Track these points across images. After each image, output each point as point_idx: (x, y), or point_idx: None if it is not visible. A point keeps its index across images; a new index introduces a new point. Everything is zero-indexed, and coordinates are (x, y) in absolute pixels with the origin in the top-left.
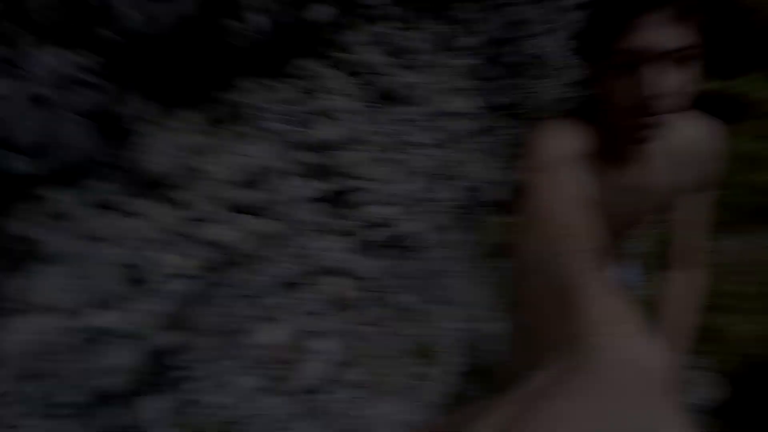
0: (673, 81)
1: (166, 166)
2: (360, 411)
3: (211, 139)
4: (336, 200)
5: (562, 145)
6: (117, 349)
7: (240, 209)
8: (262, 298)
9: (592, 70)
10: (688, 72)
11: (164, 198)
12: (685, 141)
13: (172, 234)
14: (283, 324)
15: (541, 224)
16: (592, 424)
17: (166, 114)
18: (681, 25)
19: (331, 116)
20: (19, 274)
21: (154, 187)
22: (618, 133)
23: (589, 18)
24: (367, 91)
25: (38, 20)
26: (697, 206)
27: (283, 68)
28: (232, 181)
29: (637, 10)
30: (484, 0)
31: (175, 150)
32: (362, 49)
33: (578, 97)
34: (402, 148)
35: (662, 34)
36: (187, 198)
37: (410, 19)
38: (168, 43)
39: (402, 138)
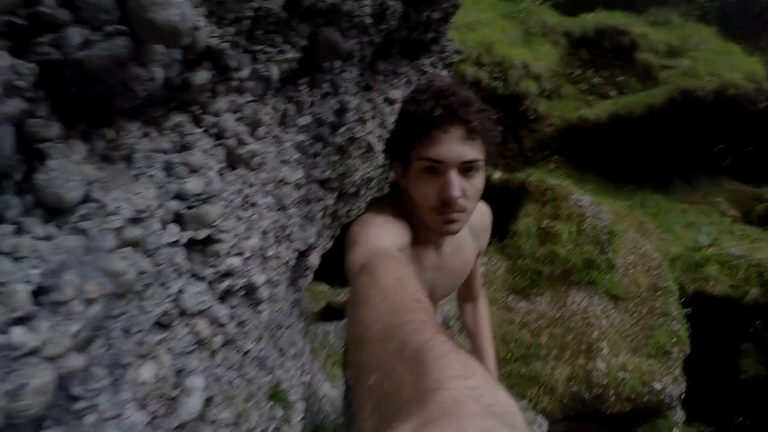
0: (464, 185)
1: (74, 193)
2: None
3: (103, 173)
4: (199, 248)
5: (385, 237)
6: (31, 368)
7: (127, 243)
8: (143, 333)
9: (399, 170)
10: (477, 177)
11: (68, 224)
12: (476, 218)
13: (75, 259)
14: (161, 361)
15: (387, 297)
16: None
17: (68, 141)
18: (469, 143)
19: (196, 171)
20: None
21: (58, 212)
22: (425, 225)
23: (395, 127)
24: (222, 153)
25: None
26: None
27: (162, 121)
28: (124, 216)
29: (430, 128)
30: (314, 87)
31: (80, 179)
32: (223, 114)
33: (390, 190)
34: (249, 207)
35: (450, 143)
36: (87, 226)
37: (261, 93)
38: (88, 75)
39: (248, 199)
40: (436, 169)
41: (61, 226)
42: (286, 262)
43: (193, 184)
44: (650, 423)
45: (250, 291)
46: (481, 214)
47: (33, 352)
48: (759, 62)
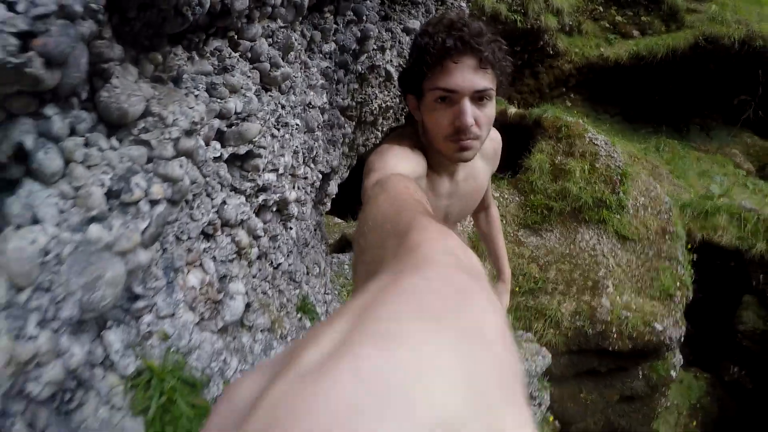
0: (476, 113)
1: (136, 107)
2: (266, 351)
3: (157, 92)
4: (239, 163)
5: (401, 165)
6: (105, 262)
7: (182, 153)
8: (192, 240)
9: (413, 102)
10: (489, 106)
11: (131, 136)
12: (487, 144)
13: (139, 166)
14: (207, 267)
15: (392, 199)
16: (432, 296)
17: (123, 64)
18: (480, 72)
19: (235, 91)
20: (9, 190)
21: (121, 126)
22: (440, 154)
23: (409, 60)
24: (257, 75)
25: None
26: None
27: (203, 45)
28: (180, 128)
29: (443, 58)
30: (338, 14)
31: (140, 95)
32: (257, 39)
33: (406, 122)
34: (281, 127)
35: (464, 73)
36: (148, 137)
37: (291, 20)
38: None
39: (281, 119)
40: (450, 98)
41: (124, 138)
42: (312, 183)
43: (233, 104)
44: (650, 365)
45: (281, 206)
46: (492, 139)
47: (107, 247)
48: None
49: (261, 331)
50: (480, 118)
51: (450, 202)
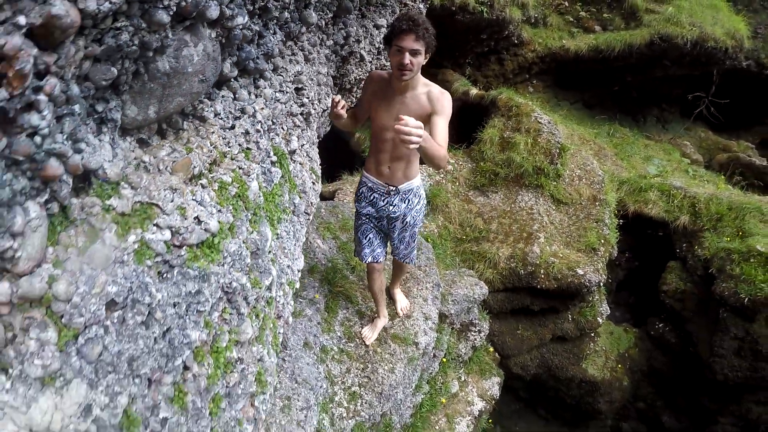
0: (411, 59)
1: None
2: None
3: None
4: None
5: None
6: None
7: None
8: None
9: (388, 50)
10: (418, 57)
11: None
12: (424, 90)
13: None
14: None
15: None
16: None
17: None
18: (416, 39)
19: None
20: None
21: None
22: (394, 78)
23: (387, 31)
24: (302, 56)
25: None
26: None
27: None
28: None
29: (399, 33)
30: (335, 24)
31: None
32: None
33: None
34: (315, 76)
35: (407, 41)
36: None
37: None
38: None
39: (313, 77)
40: (400, 50)
41: None
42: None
43: (304, 74)
44: (578, 309)
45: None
46: (440, 91)
47: None
48: (744, 22)
49: None
50: (413, 62)
51: (398, 108)
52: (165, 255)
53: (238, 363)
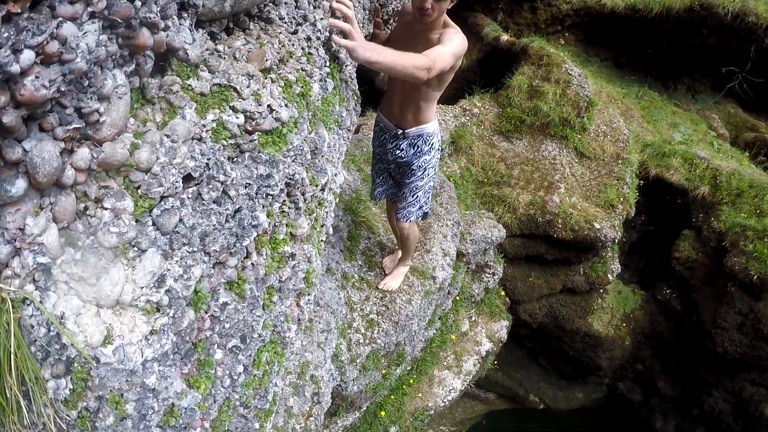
0: (431, 3)
1: None
2: None
3: None
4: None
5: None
6: None
7: None
8: None
9: None
10: (444, 4)
11: None
12: (435, 32)
13: None
14: None
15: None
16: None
17: None
18: None
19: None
20: None
21: None
22: (411, 20)
23: None
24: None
25: None
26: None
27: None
28: None
29: None
30: None
31: None
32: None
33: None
34: None
35: None
36: None
37: None
38: None
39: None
40: None
41: None
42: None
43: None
44: (590, 265)
45: None
46: (456, 31)
47: None
48: None
49: None
50: (434, 6)
51: (415, 47)
52: (239, 138)
53: (291, 258)
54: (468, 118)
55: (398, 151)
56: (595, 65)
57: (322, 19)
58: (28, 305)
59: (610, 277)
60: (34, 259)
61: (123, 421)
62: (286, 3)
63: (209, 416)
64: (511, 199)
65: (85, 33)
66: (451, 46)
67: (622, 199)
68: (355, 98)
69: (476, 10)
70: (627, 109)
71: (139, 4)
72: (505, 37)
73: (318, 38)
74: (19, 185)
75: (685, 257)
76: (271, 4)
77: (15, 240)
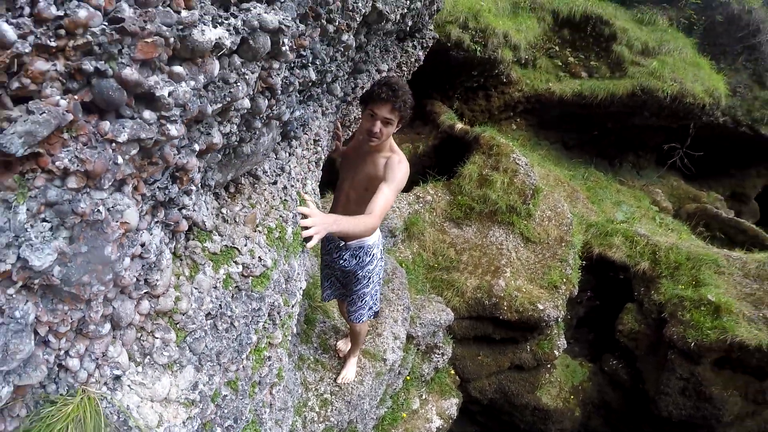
0: (381, 127)
1: None
2: None
3: None
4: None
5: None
6: None
7: None
8: None
9: (362, 111)
10: (389, 127)
11: None
12: (387, 156)
13: None
14: None
15: None
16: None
17: None
18: (392, 110)
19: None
20: None
21: None
22: (363, 140)
23: (364, 92)
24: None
25: None
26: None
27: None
28: None
29: (377, 100)
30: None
31: None
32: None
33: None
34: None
35: (381, 110)
36: None
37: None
38: None
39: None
40: (373, 116)
41: None
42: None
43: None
44: (537, 342)
45: None
46: (399, 160)
47: None
48: (724, 81)
49: None
50: (382, 130)
51: (361, 165)
52: (239, 283)
53: (268, 360)
54: (421, 205)
55: (342, 261)
56: (545, 148)
57: (295, 167)
58: (101, 400)
59: (557, 353)
60: (111, 372)
61: None
62: (268, 157)
63: None
64: (460, 284)
65: (153, 236)
66: (394, 186)
67: (565, 280)
68: None
69: (434, 98)
70: (573, 191)
71: (185, 211)
72: (459, 125)
73: (292, 186)
74: (107, 328)
75: (628, 329)
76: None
77: (98, 359)
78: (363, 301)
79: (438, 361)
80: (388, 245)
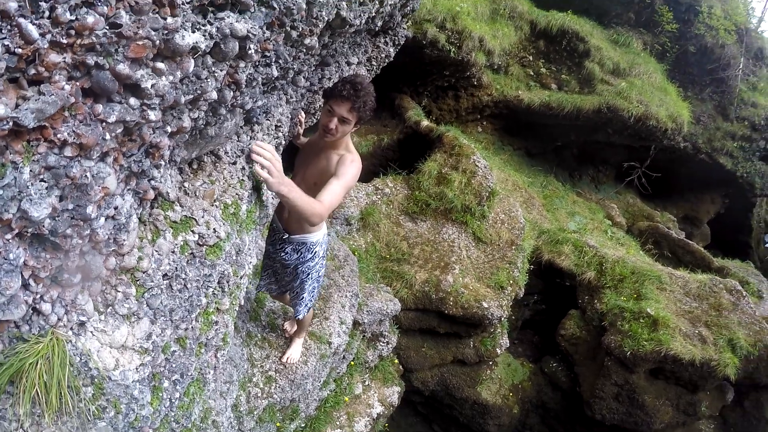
0: (337, 125)
1: None
2: None
3: None
4: None
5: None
6: None
7: None
8: None
9: (322, 105)
10: (346, 126)
11: None
12: (341, 154)
13: None
14: None
15: None
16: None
17: None
18: (350, 110)
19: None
20: None
21: None
22: (320, 134)
23: (328, 87)
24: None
25: None
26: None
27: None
28: None
29: (338, 97)
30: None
31: None
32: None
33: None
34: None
35: (340, 107)
36: None
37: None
38: None
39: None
40: (331, 112)
41: None
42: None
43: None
44: (480, 339)
45: None
46: (352, 159)
47: None
48: (688, 108)
49: None
50: (339, 127)
51: (314, 159)
52: (194, 250)
53: (215, 324)
54: (379, 196)
55: (283, 254)
56: (508, 153)
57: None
58: (67, 342)
59: (498, 351)
60: (78, 318)
61: (117, 415)
62: (231, 139)
63: (154, 425)
64: (409, 276)
65: (125, 201)
66: (344, 181)
67: (511, 282)
68: (272, 193)
69: (404, 92)
70: (529, 198)
71: (154, 182)
72: (425, 122)
73: (251, 167)
74: (78, 278)
75: (570, 334)
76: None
77: (67, 306)
78: (301, 298)
79: (383, 349)
80: (343, 233)
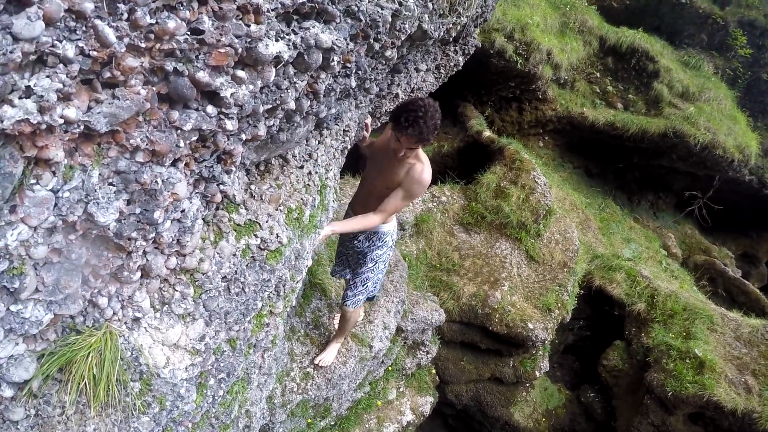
0: (403, 152)
1: None
2: None
3: None
4: None
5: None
6: None
7: None
8: None
9: (391, 124)
10: (414, 150)
11: None
12: (411, 164)
13: None
14: None
15: None
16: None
17: None
18: (417, 141)
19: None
20: None
21: None
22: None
23: (398, 110)
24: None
25: None
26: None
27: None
28: None
29: (403, 128)
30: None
31: None
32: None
33: None
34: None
35: (407, 141)
36: None
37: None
38: None
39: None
40: (399, 141)
41: None
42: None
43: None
44: (520, 359)
45: None
46: (421, 171)
47: None
48: (757, 140)
49: None
50: (407, 152)
51: (387, 165)
52: (255, 254)
53: (266, 326)
54: (435, 204)
55: (356, 241)
56: (567, 171)
57: (322, 155)
58: (120, 336)
59: (537, 374)
60: (133, 314)
61: (161, 411)
62: (298, 143)
63: (194, 420)
64: (458, 288)
65: (192, 205)
66: (409, 194)
67: (560, 305)
68: (334, 195)
69: (467, 100)
70: (586, 219)
71: (223, 187)
72: (487, 132)
73: (317, 171)
74: (137, 276)
75: (612, 365)
76: None
77: (124, 301)
78: (364, 286)
79: (422, 358)
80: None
